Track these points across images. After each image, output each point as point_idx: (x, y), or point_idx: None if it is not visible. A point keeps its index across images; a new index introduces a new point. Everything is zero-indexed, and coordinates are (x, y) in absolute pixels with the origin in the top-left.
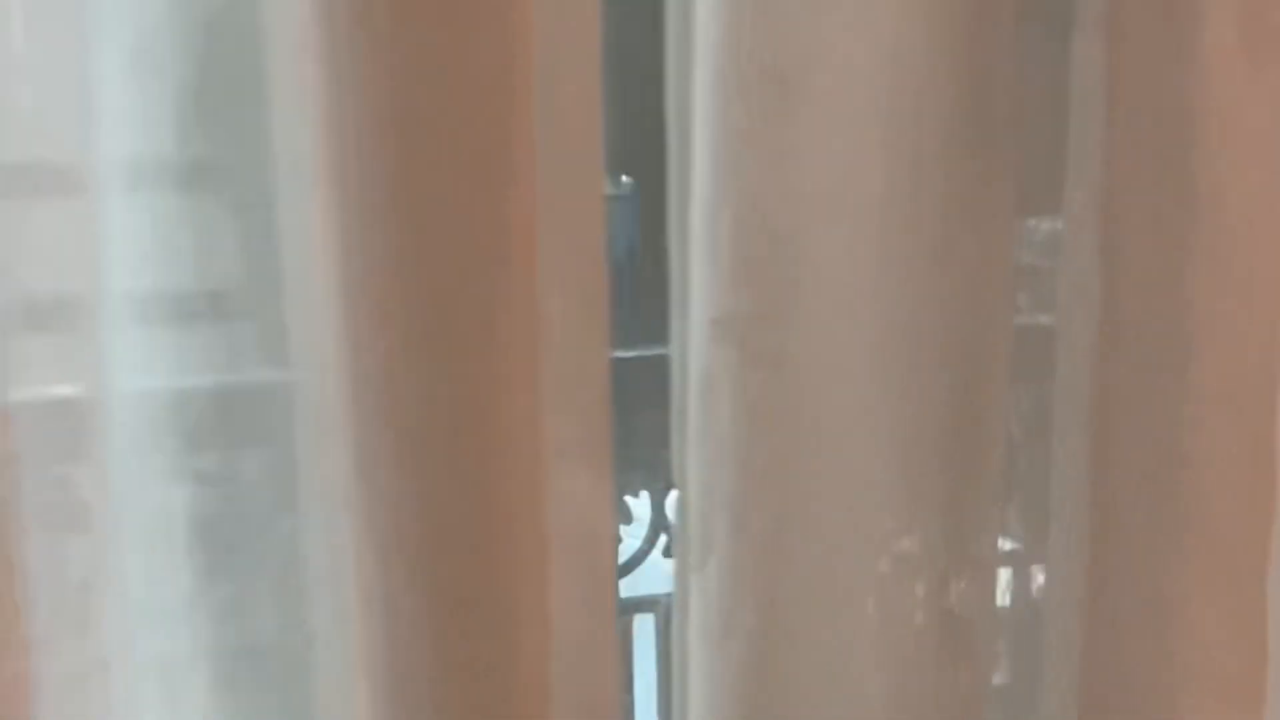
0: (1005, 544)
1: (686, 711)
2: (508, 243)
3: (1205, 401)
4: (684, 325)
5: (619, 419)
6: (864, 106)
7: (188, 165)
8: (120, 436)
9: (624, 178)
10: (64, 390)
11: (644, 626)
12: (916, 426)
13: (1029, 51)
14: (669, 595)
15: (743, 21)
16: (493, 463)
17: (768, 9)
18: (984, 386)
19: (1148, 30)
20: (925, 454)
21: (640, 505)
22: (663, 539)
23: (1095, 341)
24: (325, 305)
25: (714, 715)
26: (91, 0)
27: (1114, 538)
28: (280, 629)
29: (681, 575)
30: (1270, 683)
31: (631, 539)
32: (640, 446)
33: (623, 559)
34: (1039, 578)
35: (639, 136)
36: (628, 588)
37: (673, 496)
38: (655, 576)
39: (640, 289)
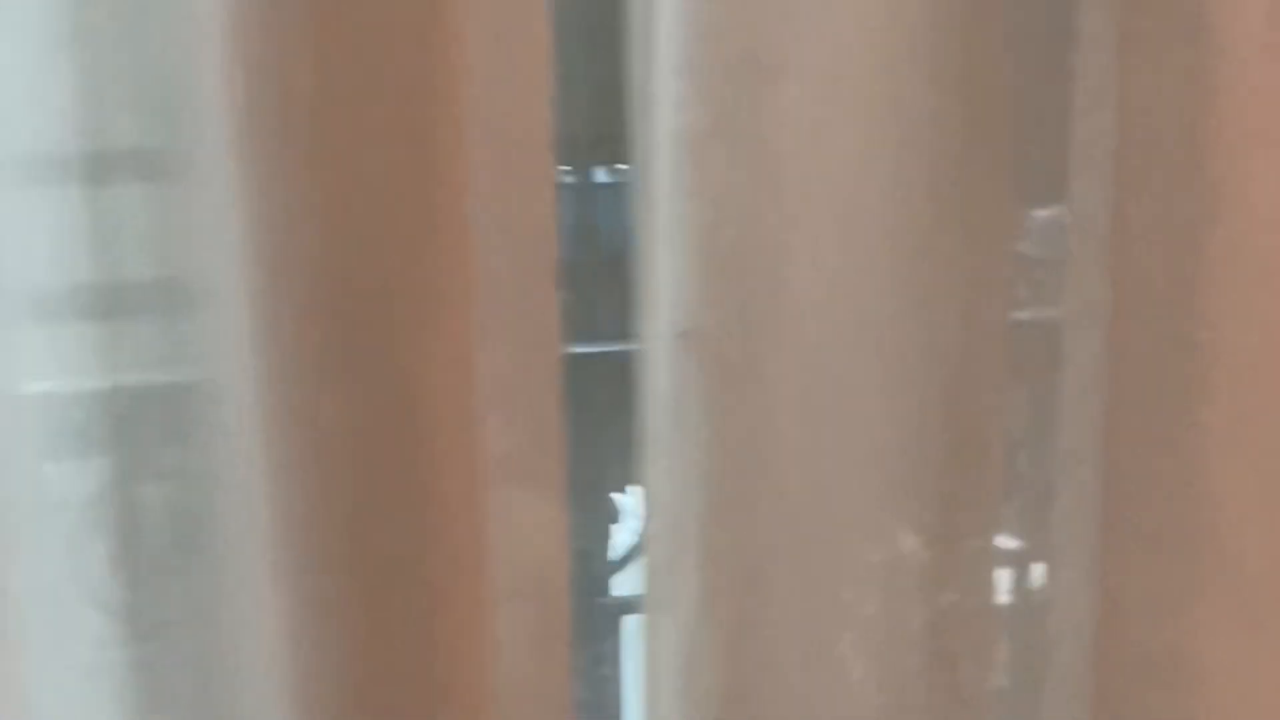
0: (1005, 544)
1: None
2: (435, 230)
3: (1219, 399)
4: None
5: (607, 411)
6: (847, 93)
7: (95, 156)
8: (16, 439)
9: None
10: None
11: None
12: (907, 429)
13: (1030, 28)
14: None
15: None
16: (423, 479)
17: None
18: (978, 386)
19: (1160, 5)
20: (917, 456)
21: (629, 501)
22: None
23: (1104, 337)
24: (237, 302)
25: None
26: None
27: (1122, 538)
28: (194, 645)
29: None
30: None
31: (621, 535)
32: (627, 439)
33: (613, 556)
34: (1039, 578)
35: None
36: (618, 586)
37: None
38: None
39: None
